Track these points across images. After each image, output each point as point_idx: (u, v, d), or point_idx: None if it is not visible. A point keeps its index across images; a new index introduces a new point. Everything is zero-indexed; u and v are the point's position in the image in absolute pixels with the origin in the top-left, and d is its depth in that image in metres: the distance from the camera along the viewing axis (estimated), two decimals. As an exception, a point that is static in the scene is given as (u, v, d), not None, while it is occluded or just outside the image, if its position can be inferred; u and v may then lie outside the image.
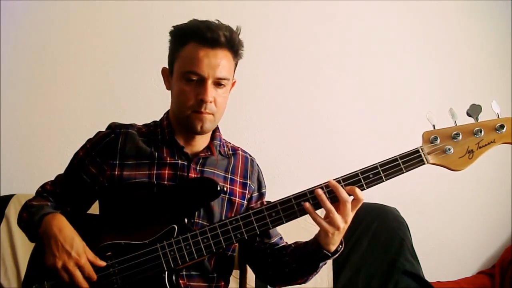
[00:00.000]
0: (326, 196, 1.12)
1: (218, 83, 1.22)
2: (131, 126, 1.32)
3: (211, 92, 1.20)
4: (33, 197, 1.31)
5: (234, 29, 1.24)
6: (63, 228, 1.15)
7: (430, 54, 2.58)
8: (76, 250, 1.12)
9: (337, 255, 1.18)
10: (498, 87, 2.55)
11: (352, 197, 1.12)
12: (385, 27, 2.57)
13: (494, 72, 2.58)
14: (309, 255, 1.19)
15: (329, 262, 2.15)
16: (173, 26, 1.27)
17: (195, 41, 1.20)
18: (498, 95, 2.35)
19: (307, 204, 1.13)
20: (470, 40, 2.60)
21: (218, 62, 1.20)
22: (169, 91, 1.33)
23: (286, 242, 1.37)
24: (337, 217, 1.10)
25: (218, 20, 1.24)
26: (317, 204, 1.13)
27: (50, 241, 1.13)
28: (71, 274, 1.11)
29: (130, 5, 2.46)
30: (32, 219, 1.18)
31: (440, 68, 2.59)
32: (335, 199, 1.12)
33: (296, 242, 1.30)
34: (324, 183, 1.14)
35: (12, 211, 2.18)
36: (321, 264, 1.19)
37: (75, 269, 1.11)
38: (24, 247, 2.12)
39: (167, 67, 1.29)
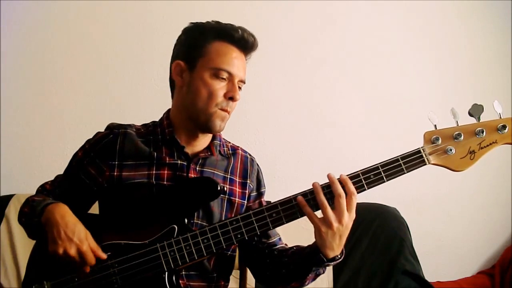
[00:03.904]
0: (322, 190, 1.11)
1: (239, 86, 1.26)
2: (130, 126, 1.32)
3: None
4: (34, 194, 1.30)
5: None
6: (66, 215, 1.14)
7: (431, 53, 2.58)
8: (78, 237, 1.11)
9: (333, 263, 1.15)
10: (499, 87, 2.55)
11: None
12: (385, 27, 2.57)
13: (495, 71, 2.58)
14: (306, 257, 1.18)
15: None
16: (192, 23, 1.29)
17: (226, 40, 1.24)
18: (499, 94, 2.35)
19: (300, 198, 1.13)
20: (470, 40, 2.60)
21: (244, 65, 1.27)
22: (169, 90, 1.32)
23: (285, 244, 1.37)
24: (330, 214, 1.09)
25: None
26: (317, 205, 1.12)
27: (52, 228, 1.11)
28: (72, 260, 1.10)
29: (130, 5, 2.46)
30: (35, 210, 1.17)
31: (440, 67, 2.59)
32: (331, 196, 1.10)
33: (298, 246, 1.30)
34: (325, 183, 1.13)
35: (12, 211, 2.17)
36: (314, 268, 1.18)
37: (77, 256, 1.10)
38: (24, 247, 2.12)
39: (179, 61, 1.26)
